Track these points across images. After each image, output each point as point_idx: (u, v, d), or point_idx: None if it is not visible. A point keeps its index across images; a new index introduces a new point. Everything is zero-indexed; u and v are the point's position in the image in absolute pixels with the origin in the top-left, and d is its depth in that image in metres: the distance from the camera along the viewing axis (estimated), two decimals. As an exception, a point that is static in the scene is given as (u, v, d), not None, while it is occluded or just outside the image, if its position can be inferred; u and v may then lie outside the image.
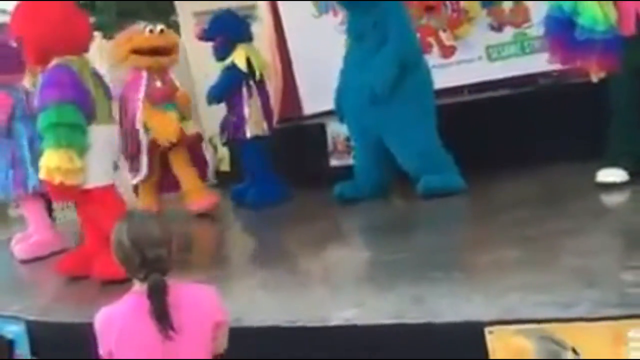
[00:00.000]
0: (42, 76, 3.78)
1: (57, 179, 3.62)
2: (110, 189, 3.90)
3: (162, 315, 1.83)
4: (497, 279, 2.57)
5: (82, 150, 3.70)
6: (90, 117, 3.77)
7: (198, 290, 2.00)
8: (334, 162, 5.61)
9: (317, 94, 5.77)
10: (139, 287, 1.90)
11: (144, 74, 5.05)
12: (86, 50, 4.00)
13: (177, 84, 5.31)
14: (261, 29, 6.69)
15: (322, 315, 2.52)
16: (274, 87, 6.12)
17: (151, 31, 5.11)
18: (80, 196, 3.81)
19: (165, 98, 5.13)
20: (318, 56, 5.67)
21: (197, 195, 5.21)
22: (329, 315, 2.50)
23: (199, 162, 5.39)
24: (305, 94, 6.22)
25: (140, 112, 4.92)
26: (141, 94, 4.97)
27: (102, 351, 1.93)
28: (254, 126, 5.22)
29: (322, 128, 5.70)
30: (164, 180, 5.33)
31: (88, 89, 3.78)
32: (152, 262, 1.86)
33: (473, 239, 3.48)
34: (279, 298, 2.90)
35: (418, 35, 5.01)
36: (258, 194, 5.17)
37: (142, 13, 8.45)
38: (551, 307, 2.14)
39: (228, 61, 5.24)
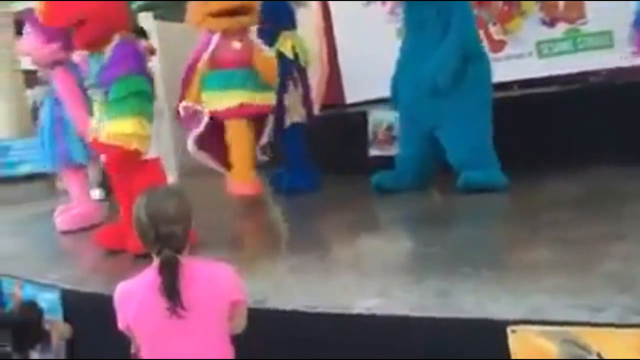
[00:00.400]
0: (110, 52, 3.84)
1: (134, 145, 3.74)
2: (159, 162, 4.04)
3: (171, 291, 1.84)
4: (528, 279, 2.50)
5: (151, 119, 3.87)
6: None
7: (215, 268, 2.01)
8: (373, 151, 5.55)
9: (361, 83, 5.74)
10: (156, 263, 1.92)
11: (215, 37, 4.72)
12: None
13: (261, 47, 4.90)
14: (309, 14, 6.70)
15: (345, 302, 2.50)
16: (319, 74, 6.10)
17: None
18: (138, 166, 3.88)
19: (237, 62, 4.76)
20: (364, 45, 5.63)
21: (243, 178, 4.89)
22: (351, 303, 2.48)
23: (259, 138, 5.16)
24: (348, 82, 6.18)
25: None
26: (206, 55, 4.71)
27: (120, 325, 1.96)
28: (294, 113, 5.22)
29: (364, 117, 5.65)
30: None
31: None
32: (165, 238, 1.87)
33: (508, 237, 3.40)
34: (305, 283, 2.90)
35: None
36: (292, 180, 5.18)
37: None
38: (579, 310, 2.07)
39: (274, 49, 5.22)
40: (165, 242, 1.89)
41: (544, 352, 1.94)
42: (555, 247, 2.87)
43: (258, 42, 4.91)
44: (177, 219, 1.92)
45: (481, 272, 2.67)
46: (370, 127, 5.59)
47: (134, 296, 1.93)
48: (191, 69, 4.81)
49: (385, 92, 4.83)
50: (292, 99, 5.21)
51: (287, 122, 5.22)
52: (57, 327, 3.34)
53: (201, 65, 4.73)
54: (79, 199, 5.25)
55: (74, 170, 5.15)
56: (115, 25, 3.88)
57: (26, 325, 3.19)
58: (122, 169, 3.91)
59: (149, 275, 1.92)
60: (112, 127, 3.77)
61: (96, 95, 3.98)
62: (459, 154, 4.32)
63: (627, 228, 3.05)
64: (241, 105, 4.69)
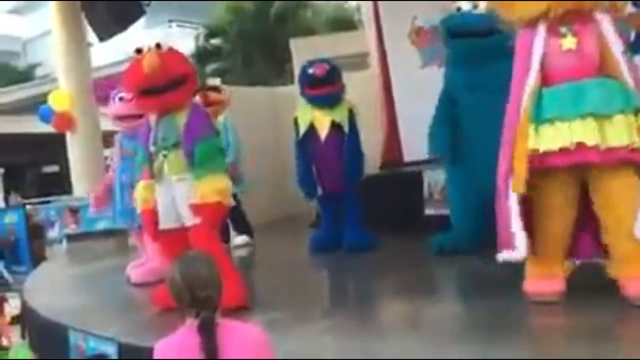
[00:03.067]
0: (187, 114, 4.04)
1: (228, 199, 3.98)
2: None
3: (211, 351, 1.99)
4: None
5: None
6: None
7: (246, 331, 2.14)
8: (429, 210, 5.59)
9: (419, 143, 5.82)
10: (189, 322, 2.06)
11: None
12: None
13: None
14: (370, 76, 6.94)
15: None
16: (377, 138, 6.30)
17: None
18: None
19: None
20: (421, 105, 5.73)
21: None
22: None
23: None
24: (407, 143, 6.30)
25: None
26: None
27: None
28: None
29: (419, 176, 5.73)
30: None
31: None
32: (202, 301, 2.04)
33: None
34: (340, 344, 2.96)
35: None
36: (352, 240, 5.26)
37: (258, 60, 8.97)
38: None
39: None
40: (203, 305, 2.04)
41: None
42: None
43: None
44: (211, 283, 2.08)
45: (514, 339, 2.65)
46: (425, 187, 5.66)
47: (175, 353, 2.08)
48: None
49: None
50: None
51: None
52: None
53: None
54: (152, 254, 5.49)
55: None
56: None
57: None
58: (212, 227, 4.00)
59: (187, 335, 2.07)
60: (207, 186, 3.86)
61: (167, 156, 4.07)
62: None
63: None
64: None
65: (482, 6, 4.45)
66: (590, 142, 2.99)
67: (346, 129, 5.35)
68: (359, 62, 7.82)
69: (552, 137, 3.07)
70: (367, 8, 8.34)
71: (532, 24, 3.20)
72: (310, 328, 3.34)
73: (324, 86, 5.33)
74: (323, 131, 5.38)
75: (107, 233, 8.04)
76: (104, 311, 4.70)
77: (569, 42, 3.14)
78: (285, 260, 5.29)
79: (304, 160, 5.49)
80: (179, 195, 3.99)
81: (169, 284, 2.11)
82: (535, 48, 3.17)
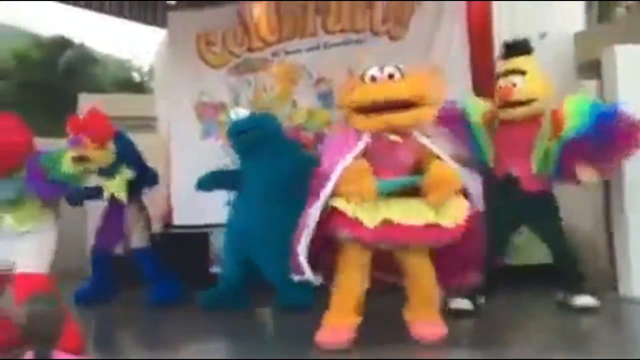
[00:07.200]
0: None
1: None
2: None
3: None
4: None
5: None
6: None
7: None
8: (216, 269, 6.10)
9: (191, 208, 6.34)
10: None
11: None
12: None
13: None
14: (158, 140, 7.27)
15: None
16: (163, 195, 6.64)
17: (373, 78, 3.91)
18: None
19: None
20: (197, 173, 6.17)
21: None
22: None
23: None
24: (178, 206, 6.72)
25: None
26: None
27: None
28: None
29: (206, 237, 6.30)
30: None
31: None
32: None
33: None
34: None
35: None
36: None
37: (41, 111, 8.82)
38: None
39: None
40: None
41: None
42: None
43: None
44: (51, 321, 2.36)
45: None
46: (212, 247, 6.30)
47: None
48: None
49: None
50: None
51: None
52: None
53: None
54: None
55: None
56: None
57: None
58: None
59: None
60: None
61: None
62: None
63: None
64: None
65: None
66: None
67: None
68: (147, 124, 8.11)
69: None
70: (158, 75, 8.73)
71: None
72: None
73: None
74: None
75: None
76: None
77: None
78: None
79: None
80: None
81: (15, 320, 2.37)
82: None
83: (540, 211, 4.61)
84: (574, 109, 4.43)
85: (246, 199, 5.24)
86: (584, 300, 4.48)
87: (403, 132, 3.83)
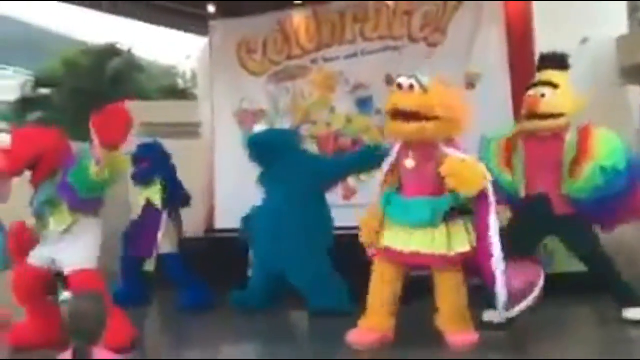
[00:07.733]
0: None
1: None
2: None
3: None
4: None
5: None
6: None
7: None
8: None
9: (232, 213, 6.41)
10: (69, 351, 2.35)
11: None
12: None
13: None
14: (201, 145, 7.42)
15: None
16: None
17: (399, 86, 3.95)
18: None
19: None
20: (240, 180, 6.27)
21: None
22: None
23: None
24: (221, 211, 6.82)
25: None
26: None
27: None
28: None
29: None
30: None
31: None
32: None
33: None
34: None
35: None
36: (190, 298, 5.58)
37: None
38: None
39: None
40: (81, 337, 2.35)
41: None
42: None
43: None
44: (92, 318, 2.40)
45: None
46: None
47: None
48: None
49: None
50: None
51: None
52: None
53: None
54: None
55: None
56: None
57: None
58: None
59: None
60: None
61: None
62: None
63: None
64: None
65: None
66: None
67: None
68: (191, 131, 8.28)
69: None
70: (201, 81, 8.92)
71: None
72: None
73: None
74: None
75: None
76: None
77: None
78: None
79: None
80: None
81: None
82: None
83: (572, 231, 4.34)
84: (606, 141, 4.22)
85: (268, 209, 5.35)
86: (635, 313, 4.19)
87: (428, 145, 3.89)
